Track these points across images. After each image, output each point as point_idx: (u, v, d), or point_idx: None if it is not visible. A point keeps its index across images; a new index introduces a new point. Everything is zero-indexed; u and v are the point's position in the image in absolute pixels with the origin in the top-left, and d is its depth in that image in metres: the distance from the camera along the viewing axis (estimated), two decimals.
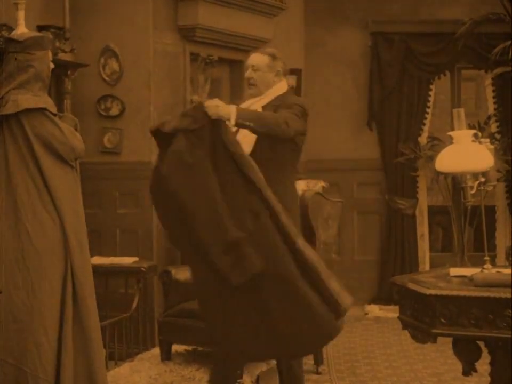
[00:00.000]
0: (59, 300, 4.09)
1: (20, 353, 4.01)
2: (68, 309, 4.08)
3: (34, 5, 6.22)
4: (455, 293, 3.51)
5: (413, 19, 8.59)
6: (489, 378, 3.80)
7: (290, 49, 8.46)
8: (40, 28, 6.25)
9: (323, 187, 6.02)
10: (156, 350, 6.19)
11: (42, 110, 4.18)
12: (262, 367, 5.62)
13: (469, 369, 3.67)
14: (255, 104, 4.74)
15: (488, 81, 8.55)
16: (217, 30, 7.19)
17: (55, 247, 4.11)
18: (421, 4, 8.61)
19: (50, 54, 4.37)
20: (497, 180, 4.46)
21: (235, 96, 7.33)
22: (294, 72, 8.47)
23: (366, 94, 8.64)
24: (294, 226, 4.33)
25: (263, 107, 4.70)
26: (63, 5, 6.23)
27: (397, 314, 3.88)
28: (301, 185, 5.98)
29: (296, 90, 8.48)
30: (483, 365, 3.76)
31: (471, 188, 3.97)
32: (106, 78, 6.84)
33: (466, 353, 3.61)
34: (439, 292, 3.52)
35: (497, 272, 3.72)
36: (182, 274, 5.91)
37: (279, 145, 4.63)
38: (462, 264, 6.97)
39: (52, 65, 4.37)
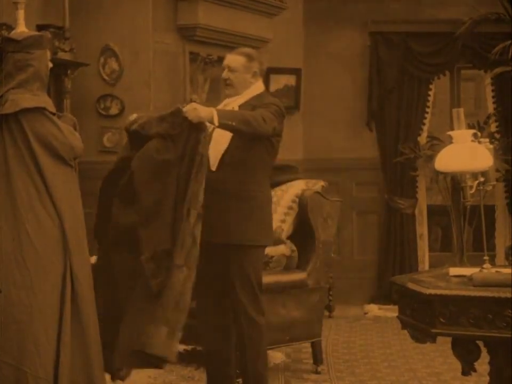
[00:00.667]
0: (58, 299, 4.08)
1: (20, 353, 4.00)
2: (66, 308, 4.08)
3: (34, 4, 6.23)
4: (454, 292, 3.51)
5: (413, 19, 8.59)
6: (488, 378, 3.81)
7: (290, 49, 8.48)
8: (40, 27, 6.26)
9: (322, 186, 6.02)
10: None
11: (41, 110, 4.16)
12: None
13: (468, 369, 3.67)
14: (231, 103, 4.74)
15: (488, 81, 8.55)
16: (216, 29, 7.20)
17: (55, 247, 4.11)
18: (420, 4, 8.61)
19: (49, 53, 4.36)
20: (497, 180, 4.48)
21: None
22: (294, 71, 8.48)
23: (366, 94, 8.64)
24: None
25: (240, 106, 4.71)
26: (62, 4, 6.24)
27: (396, 314, 3.88)
28: (300, 185, 5.99)
29: (295, 90, 8.49)
30: (482, 364, 3.76)
31: (471, 187, 3.97)
32: (106, 78, 6.84)
33: (466, 353, 3.61)
34: (438, 292, 3.52)
35: (497, 271, 3.72)
36: None
37: (255, 145, 4.64)
38: (462, 264, 6.97)
39: (50, 65, 4.36)
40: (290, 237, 5.90)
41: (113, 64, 6.83)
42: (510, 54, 7.67)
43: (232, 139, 4.59)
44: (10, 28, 5.83)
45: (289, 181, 6.02)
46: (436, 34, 8.49)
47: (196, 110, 4.34)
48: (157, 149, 4.34)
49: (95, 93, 6.84)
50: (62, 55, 6.24)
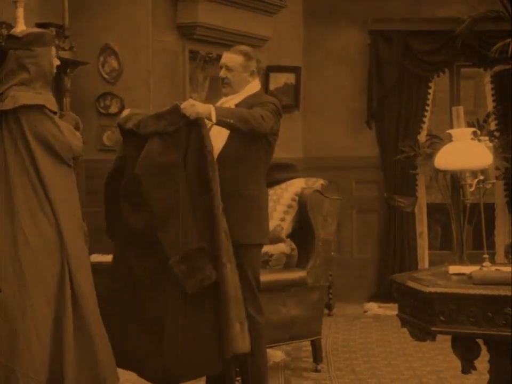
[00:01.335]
0: (53, 300, 4.06)
1: (11, 352, 3.99)
2: (67, 309, 4.06)
3: (33, 2, 6.23)
4: (454, 290, 3.51)
5: (412, 17, 8.59)
6: (488, 376, 3.81)
7: (289, 47, 8.48)
8: (40, 26, 6.24)
9: (322, 185, 6.03)
10: None
11: (40, 108, 4.15)
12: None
13: (468, 367, 3.67)
14: (228, 102, 4.73)
15: (487, 79, 8.56)
16: (216, 28, 7.20)
17: (51, 247, 4.09)
18: (420, 2, 8.61)
19: (53, 50, 4.34)
20: (496, 178, 4.49)
21: None
22: (293, 70, 8.47)
23: (365, 92, 8.65)
24: (230, 246, 4.37)
25: (236, 105, 4.69)
26: (62, 3, 6.23)
27: (396, 312, 3.88)
28: (299, 183, 5.99)
29: (295, 88, 8.49)
30: (482, 362, 3.76)
31: (470, 185, 3.98)
32: (106, 76, 6.84)
33: (466, 351, 3.61)
34: (438, 290, 3.52)
35: (496, 270, 3.72)
36: None
37: (252, 143, 4.63)
38: (461, 262, 6.97)
39: (56, 62, 4.34)
40: (290, 235, 5.90)
41: (113, 63, 6.83)
42: (510, 52, 7.67)
43: (229, 137, 4.58)
44: (9, 26, 5.83)
45: (289, 179, 6.03)
46: (435, 32, 8.49)
47: (194, 106, 4.35)
48: (159, 152, 4.32)
49: (94, 91, 6.84)
50: (61, 54, 6.22)
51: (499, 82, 8.38)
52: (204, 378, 4.97)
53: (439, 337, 3.58)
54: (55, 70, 4.37)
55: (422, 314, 3.59)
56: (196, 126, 4.35)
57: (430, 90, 8.63)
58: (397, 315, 3.86)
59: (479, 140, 4.00)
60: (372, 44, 8.62)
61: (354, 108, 8.70)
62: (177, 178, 4.32)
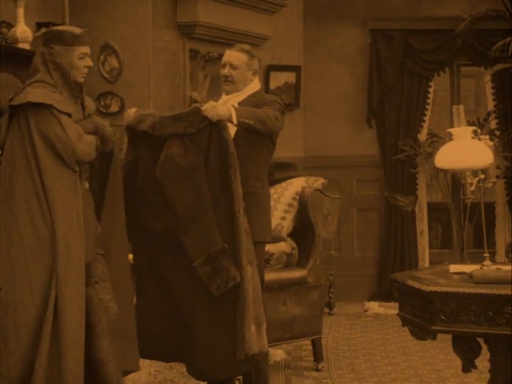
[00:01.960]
0: (38, 300, 4.01)
1: None
2: (49, 311, 4.00)
3: (33, 2, 6.22)
4: (454, 289, 3.51)
5: (412, 16, 8.59)
6: (489, 375, 3.81)
7: (290, 46, 8.47)
8: (40, 25, 6.26)
9: (322, 184, 6.03)
10: None
11: (48, 107, 4.08)
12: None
13: (468, 366, 3.68)
14: (231, 100, 4.71)
15: (488, 77, 8.55)
16: (216, 27, 7.19)
17: (43, 246, 4.03)
18: (420, 1, 8.61)
19: (78, 50, 4.21)
20: (497, 177, 4.47)
21: None
22: (294, 69, 8.47)
23: (366, 91, 8.64)
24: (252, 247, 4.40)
25: (240, 103, 4.68)
26: (62, 2, 6.23)
27: (397, 311, 3.89)
28: (300, 182, 5.99)
29: (295, 87, 8.48)
30: (483, 361, 3.76)
31: (471, 184, 3.98)
32: (106, 75, 6.84)
33: (466, 350, 3.61)
34: (438, 289, 3.52)
35: (497, 268, 3.72)
36: None
37: (257, 141, 4.64)
38: (462, 261, 6.98)
39: (83, 63, 4.23)
40: (290, 234, 5.91)
41: (113, 62, 6.82)
42: (510, 50, 7.66)
43: (235, 135, 4.59)
44: (9, 25, 5.82)
45: (290, 178, 6.03)
46: (435, 31, 8.49)
47: (215, 108, 4.34)
48: (179, 154, 4.31)
49: (95, 90, 6.82)
50: None
51: (499, 81, 8.38)
52: None
53: (439, 336, 3.58)
54: (83, 72, 4.25)
55: (422, 313, 3.59)
56: (217, 128, 4.34)
57: (431, 89, 8.62)
58: (397, 314, 3.87)
59: (480, 139, 4.00)
60: (372, 43, 8.61)
61: (354, 107, 8.69)
62: (199, 181, 4.31)
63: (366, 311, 8.22)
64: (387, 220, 8.62)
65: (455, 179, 7.89)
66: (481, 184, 3.98)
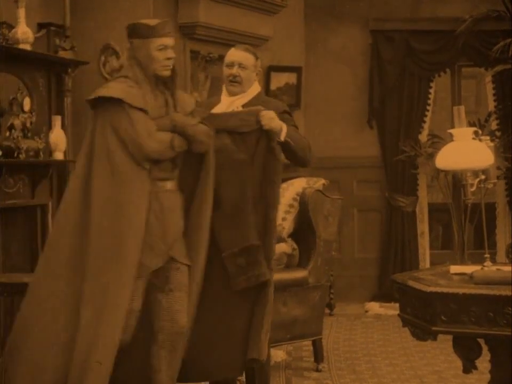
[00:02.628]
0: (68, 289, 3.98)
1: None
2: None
3: (34, 2, 6.23)
4: (455, 290, 3.51)
5: (413, 17, 8.59)
6: (489, 376, 3.81)
7: (291, 47, 8.48)
8: (41, 26, 6.26)
9: (323, 184, 6.03)
10: None
11: (118, 101, 3.97)
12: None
13: (469, 367, 3.67)
14: (235, 102, 4.66)
15: (488, 78, 8.55)
16: (217, 28, 7.19)
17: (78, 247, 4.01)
18: (421, 2, 8.61)
19: (155, 42, 4.05)
20: (498, 178, 4.47)
21: None
22: (295, 69, 8.47)
23: (366, 92, 8.64)
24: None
25: (243, 106, 4.64)
26: (63, 2, 6.24)
27: (397, 312, 3.89)
28: (301, 183, 5.99)
29: (296, 88, 8.49)
30: (483, 362, 3.76)
31: (471, 185, 3.98)
32: (107, 76, 6.83)
33: (467, 351, 3.61)
34: (439, 290, 3.52)
35: (498, 269, 3.72)
36: None
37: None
38: (462, 262, 6.97)
39: (158, 55, 4.07)
40: (291, 235, 5.90)
41: (114, 63, 6.82)
42: (511, 51, 7.67)
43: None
44: (10, 26, 5.83)
45: (290, 179, 6.03)
46: (436, 32, 8.49)
47: (272, 120, 4.30)
48: (233, 149, 4.30)
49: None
50: (62, 54, 6.24)
51: (500, 81, 8.38)
52: None
53: (440, 337, 3.58)
54: (163, 64, 4.09)
55: (423, 314, 3.59)
56: (267, 136, 4.34)
57: (431, 90, 8.63)
58: (398, 315, 3.86)
59: (480, 140, 4.00)
60: (373, 44, 8.62)
61: (355, 108, 8.69)
62: (245, 177, 4.31)
63: (366, 311, 8.22)
64: (388, 220, 8.62)
65: (455, 180, 7.90)
66: (482, 185, 3.98)
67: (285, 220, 5.87)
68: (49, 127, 6.15)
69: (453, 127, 4.06)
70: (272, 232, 4.31)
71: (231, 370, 4.45)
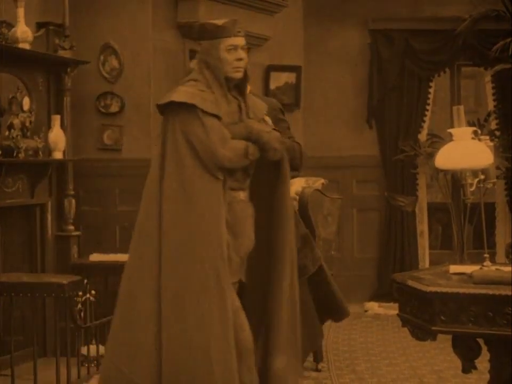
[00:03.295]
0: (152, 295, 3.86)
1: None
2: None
3: (33, 2, 6.23)
4: (454, 290, 3.51)
5: (413, 16, 8.58)
6: (488, 376, 3.81)
7: (290, 47, 8.48)
8: (40, 25, 6.26)
9: (323, 184, 6.02)
10: None
11: (192, 107, 3.77)
12: None
13: (468, 367, 3.67)
14: None
15: (488, 78, 8.55)
16: None
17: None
18: (420, 1, 8.60)
19: (224, 42, 3.85)
20: (497, 177, 4.47)
21: None
22: (294, 69, 8.47)
23: (366, 92, 8.64)
24: None
25: None
26: (62, 2, 6.23)
27: (397, 312, 3.89)
28: (300, 183, 5.99)
29: (295, 87, 8.49)
30: (483, 362, 3.76)
31: (471, 185, 3.98)
32: (106, 75, 6.83)
33: (466, 351, 3.61)
34: (438, 289, 3.52)
35: (497, 269, 3.72)
36: None
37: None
38: (462, 262, 6.97)
39: (228, 56, 3.85)
40: None
41: (113, 62, 6.82)
42: (510, 51, 7.66)
43: None
44: (10, 25, 5.83)
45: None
46: (436, 31, 8.48)
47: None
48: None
49: (95, 90, 6.83)
50: (61, 53, 6.23)
51: (500, 81, 8.37)
52: None
53: (439, 336, 3.58)
54: (234, 66, 3.88)
55: (422, 314, 3.59)
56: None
57: (431, 90, 8.62)
58: (397, 314, 3.86)
59: (480, 139, 4.00)
60: (373, 43, 8.61)
61: (354, 107, 8.69)
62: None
63: (366, 311, 8.22)
64: (387, 220, 8.62)
65: (455, 179, 7.89)
66: (481, 185, 3.98)
67: None
68: (49, 127, 6.15)
69: (452, 126, 4.06)
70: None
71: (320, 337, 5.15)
